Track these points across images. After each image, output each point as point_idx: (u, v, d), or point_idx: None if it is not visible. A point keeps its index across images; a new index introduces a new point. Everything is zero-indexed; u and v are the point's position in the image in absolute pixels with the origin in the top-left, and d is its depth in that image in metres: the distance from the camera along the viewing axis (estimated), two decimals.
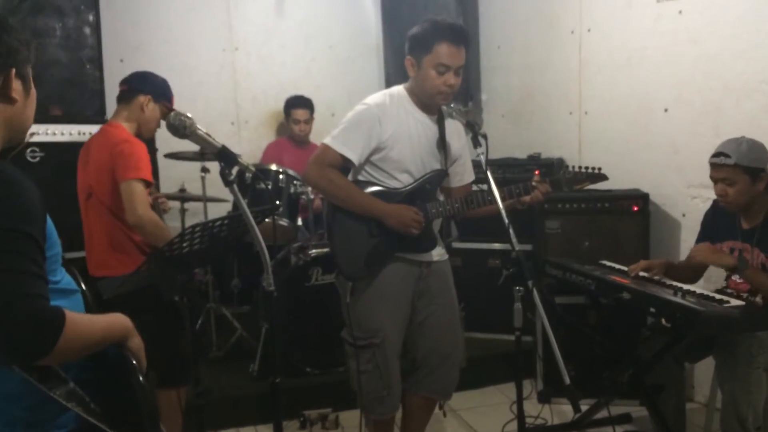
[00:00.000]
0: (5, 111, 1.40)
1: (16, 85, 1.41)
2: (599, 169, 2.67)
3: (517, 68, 4.77)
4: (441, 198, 2.73)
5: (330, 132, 2.61)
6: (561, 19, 4.34)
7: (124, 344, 1.47)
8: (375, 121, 2.53)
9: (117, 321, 1.47)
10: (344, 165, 2.57)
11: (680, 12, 3.56)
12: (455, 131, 2.73)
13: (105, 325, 1.43)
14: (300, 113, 4.73)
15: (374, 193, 2.59)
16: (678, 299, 2.48)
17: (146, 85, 2.86)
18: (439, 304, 2.70)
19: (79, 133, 3.59)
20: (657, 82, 3.73)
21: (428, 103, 2.60)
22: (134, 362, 1.47)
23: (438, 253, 2.70)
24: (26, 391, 1.34)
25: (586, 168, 2.69)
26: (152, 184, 2.76)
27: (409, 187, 2.61)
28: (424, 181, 2.62)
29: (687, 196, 3.61)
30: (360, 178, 2.62)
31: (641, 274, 2.83)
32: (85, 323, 1.36)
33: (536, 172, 2.59)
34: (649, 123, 3.80)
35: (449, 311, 2.74)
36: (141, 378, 1.46)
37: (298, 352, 3.60)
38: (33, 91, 1.47)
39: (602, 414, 3.01)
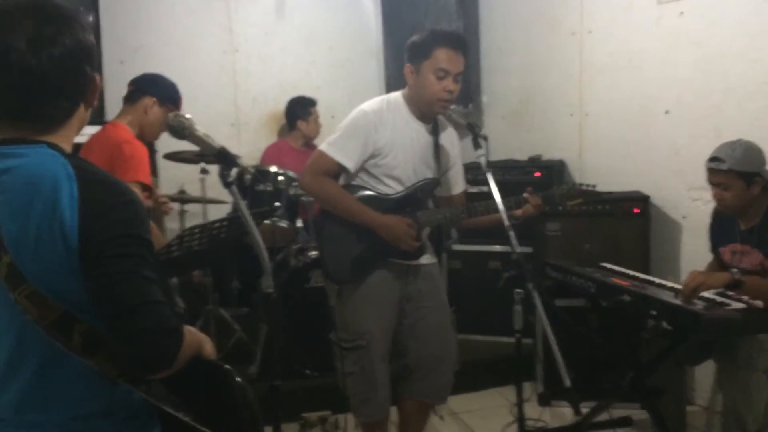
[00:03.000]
0: (84, 117, 1.38)
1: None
2: (594, 186, 2.70)
3: (517, 70, 4.77)
4: (431, 206, 2.73)
5: (328, 135, 2.61)
6: (562, 20, 4.33)
7: (200, 354, 1.43)
8: (371, 128, 2.53)
9: (195, 330, 1.45)
10: (339, 171, 2.58)
11: (681, 14, 3.56)
12: (449, 140, 2.74)
13: (196, 335, 1.41)
14: (318, 111, 4.74)
15: (365, 198, 2.59)
16: (679, 302, 2.47)
17: (152, 87, 2.83)
18: (428, 307, 2.69)
19: (79, 134, 3.58)
20: (658, 83, 3.72)
21: (425, 111, 2.60)
22: (227, 366, 1.44)
23: (426, 259, 2.70)
24: (123, 405, 1.31)
25: (581, 184, 2.72)
26: (151, 187, 2.72)
27: (401, 193, 2.61)
28: (416, 188, 2.62)
29: (688, 198, 3.60)
30: (352, 182, 2.63)
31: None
32: (191, 333, 1.34)
33: (528, 189, 2.61)
34: (650, 125, 3.80)
35: (440, 314, 2.74)
36: (239, 379, 1.42)
37: (298, 355, 3.59)
38: None
39: (603, 417, 3.00)
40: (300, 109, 4.76)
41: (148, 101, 2.81)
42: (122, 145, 2.65)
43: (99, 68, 4.00)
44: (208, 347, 1.46)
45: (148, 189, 2.68)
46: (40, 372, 1.26)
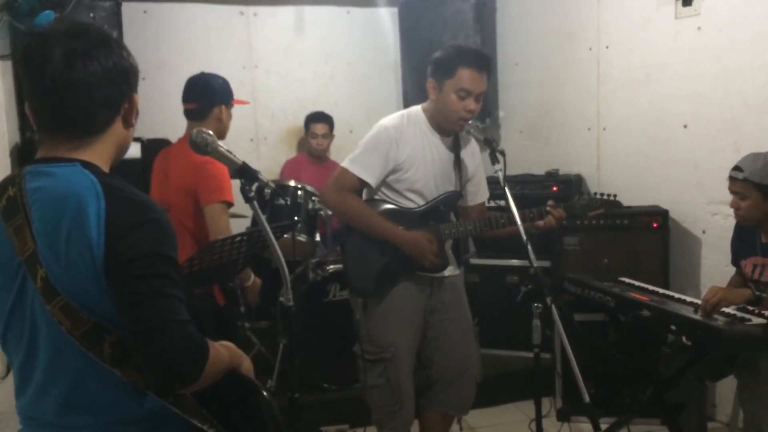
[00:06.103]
0: (122, 135, 1.40)
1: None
2: (614, 195, 2.70)
3: (534, 85, 4.78)
4: (453, 219, 2.74)
5: (348, 150, 2.65)
6: (579, 36, 4.34)
7: (237, 369, 1.47)
8: (392, 144, 2.55)
9: (233, 347, 1.48)
10: (362, 187, 2.61)
11: (699, 28, 3.56)
12: (470, 152, 2.75)
13: (227, 351, 1.43)
14: (318, 127, 4.77)
15: (388, 212, 2.61)
16: (699, 317, 2.45)
17: (216, 96, 2.84)
18: (452, 319, 2.70)
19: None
20: (676, 98, 3.71)
21: (445, 127, 2.62)
22: (255, 381, 1.47)
23: (449, 271, 2.71)
24: (153, 414, 1.34)
25: (602, 194, 2.72)
26: (233, 204, 2.74)
27: (423, 207, 2.63)
28: (438, 202, 2.64)
29: (707, 213, 3.58)
30: (375, 197, 2.65)
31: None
32: (218, 350, 1.36)
33: (550, 202, 2.61)
34: (668, 139, 3.79)
35: (463, 326, 2.75)
36: (266, 394, 1.45)
37: (316, 368, 3.60)
38: None
39: None
40: (304, 124, 4.85)
41: (218, 110, 2.81)
42: (205, 166, 2.66)
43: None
44: (246, 364, 1.50)
45: (231, 206, 2.72)
46: (76, 379, 1.31)
